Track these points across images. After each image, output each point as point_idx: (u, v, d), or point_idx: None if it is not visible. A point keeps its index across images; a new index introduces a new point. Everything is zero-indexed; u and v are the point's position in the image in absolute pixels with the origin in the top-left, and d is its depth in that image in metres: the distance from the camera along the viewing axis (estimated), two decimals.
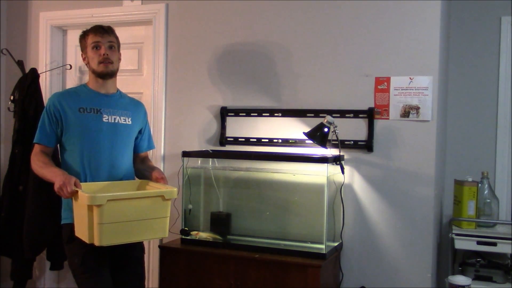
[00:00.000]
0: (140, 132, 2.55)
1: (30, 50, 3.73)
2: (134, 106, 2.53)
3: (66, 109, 2.33)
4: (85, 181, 2.30)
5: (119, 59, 2.47)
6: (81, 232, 2.17)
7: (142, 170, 2.53)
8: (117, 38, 2.46)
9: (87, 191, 2.13)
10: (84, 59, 2.44)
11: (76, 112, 2.33)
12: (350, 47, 2.87)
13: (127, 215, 2.13)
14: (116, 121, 2.41)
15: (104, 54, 2.36)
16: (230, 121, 3.12)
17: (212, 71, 3.18)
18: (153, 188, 2.35)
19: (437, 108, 2.73)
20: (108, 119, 2.38)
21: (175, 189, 2.27)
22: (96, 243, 2.09)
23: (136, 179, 2.53)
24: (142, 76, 3.50)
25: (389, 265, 2.79)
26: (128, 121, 2.45)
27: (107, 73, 2.39)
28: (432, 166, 2.72)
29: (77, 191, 2.12)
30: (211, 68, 3.18)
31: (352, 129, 2.84)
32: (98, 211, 2.04)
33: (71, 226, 2.27)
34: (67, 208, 2.33)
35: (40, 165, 2.29)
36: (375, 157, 2.82)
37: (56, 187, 2.14)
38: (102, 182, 2.32)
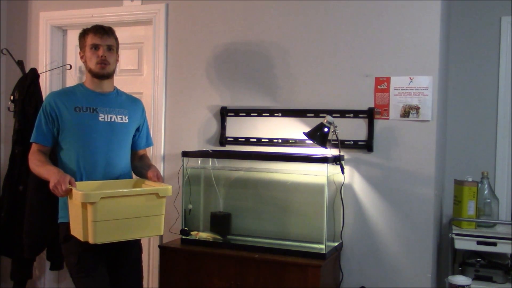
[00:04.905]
0: (138, 129, 2.55)
1: (30, 50, 3.73)
2: (132, 104, 2.53)
3: (62, 108, 2.34)
4: (81, 180, 2.31)
5: (117, 60, 2.47)
6: (76, 230, 2.18)
7: (140, 168, 2.53)
8: (116, 39, 2.46)
9: (81, 189, 2.14)
10: (81, 57, 2.44)
11: (72, 111, 2.34)
12: (350, 47, 2.87)
13: (121, 212, 2.14)
14: (113, 120, 2.41)
15: (102, 56, 2.36)
16: (230, 121, 3.12)
17: (212, 71, 3.18)
18: (149, 186, 2.35)
19: (437, 108, 2.73)
20: (104, 118, 2.38)
21: (170, 187, 2.27)
22: (91, 240, 2.09)
23: (134, 176, 2.53)
24: (142, 76, 3.50)
25: (389, 265, 2.79)
26: (125, 120, 2.45)
27: (103, 75, 2.40)
28: (432, 166, 2.72)
29: (71, 190, 2.13)
30: (211, 68, 3.18)
31: (352, 129, 2.84)
32: (92, 209, 2.05)
33: (67, 225, 2.28)
34: (63, 207, 2.33)
35: (36, 164, 2.31)
36: (375, 157, 2.82)
37: (51, 185, 2.15)
38: (97, 181, 2.33)
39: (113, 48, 2.42)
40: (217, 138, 3.14)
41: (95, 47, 2.37)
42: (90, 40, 2.38)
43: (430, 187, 2.72)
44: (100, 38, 2.37)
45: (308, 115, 2.92)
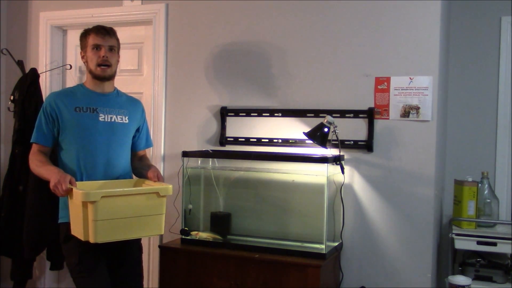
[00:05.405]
0: (137, 130, 2.55)
1: (30, 50, 3.73)
2: (132, 105, 2.53)
3: (62, 109, 2.34)
4: (81, 180, 2.31)
5: (118, 61, 2.47)
6: (76, 230, 2.18)
7: (140, 168, 2.53)
8: (118, 40, 2.46)
9: (82, 189, 2.14)
10: (82, 57, 2.44)
11: (72, 112, 2.34)
12: (350, 47, 2.87)
13: (122, 212, 2.14)
14: (113, 120, 2.41)
15: (103, 56, 2.36)
16: (230, 121, 3.12)
17: (212, 71, 3.18)
18: (149, 186, 2.35)
19: (437, 108, 2.73)
20: (104, 118, 2.38)
21: (170, 186, 2.28)
22: (91, 240, 2.09)
23: (134, 177, 2.54)
24: (142, 76, 3.50)
25: (389, 265, 2.79)
26: (125, 120, 2.45)
27: (104, 77, 2.40)
28: (432, 166, 2.72)
29: (72, 189, 2.13)
30: (211, 68, 3.18)
31: (352, 129, 2.84)
32: (93, 208, 2.06)
33: (67, 225, 2.28)
34: (64, 207, 2.33)
35: (37, 164, 2.31)
36: (375, 157, 2.82)
37: (51, 185, 2.15)
38: (97, 181, 2.33)
39: (115, 48, 2.42)
40: (217, 138, 3.14)
41: (97, 47, 2.37)
42: (92, 40, 2.37)
43: (430, 187, 2.72)
44: (102, 39, 2.37)
45: (308, 115, 2.92)
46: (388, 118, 2.80)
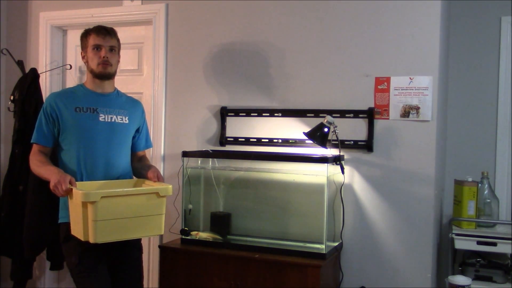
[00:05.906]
0: (137, 131, 2.56)
1: (30, 50, 3.73)
2: (132, 105, 2.54)
3: (62, 109, 2.34)
4: (81, 180, 2.32)
5: (118, 61, 2.48)
6: (76, 230, 2.19)
7: (139, 168, 2.54)
8: (118, 40, 2.47)
9: (82, 189, 2.14)
10: (83, 58, 2.45)
11: (72, 112, 2.35)
12: (350, 47, 2.87)
13: (122, 212, 2.15)
14: (113, 120, 2.41)
15: (104, 57, 2.37)
16: (230, 121, 3.12)
17: (212, 71, 3.18)
18: (149, 186, 2.35)
19: (437, 108, 2.73)
20: (104, 119, 2.39)
21: (170, 186, 2.28)
22: (91, 240, 2.10)
23: (134, 178, 2.54)
24: (142, 76, 3.50)
25: (389, 265, 2.79)
26: (125, 120, 2.46)
27: (104, 75, 2.41)
28: (432, 166, 2.72)
29: (72, 189, 2.13)
30: (211, 68, 3.18)
31: (352, 129, 2.84)
32: (93, 208, 2.06)
33: (67, 225, 2.28)
34: (64, 207, 2.34)
35: (37, 164, 2.32)
36: (375, 157, 2.82)
37: (51, 185, 2.16)
38: (98, 181, 2.33)
39: (115, 49, 2.43)
40: (217, 138, 3.14)
41: (97, 47, 2.38)
42: (93, 40, 2.38)
43: (430, 187, 2.72)
44: (102, 39, 2.38)
45: (308, 115, 2.92)
46: (388, 118, 2.80)
